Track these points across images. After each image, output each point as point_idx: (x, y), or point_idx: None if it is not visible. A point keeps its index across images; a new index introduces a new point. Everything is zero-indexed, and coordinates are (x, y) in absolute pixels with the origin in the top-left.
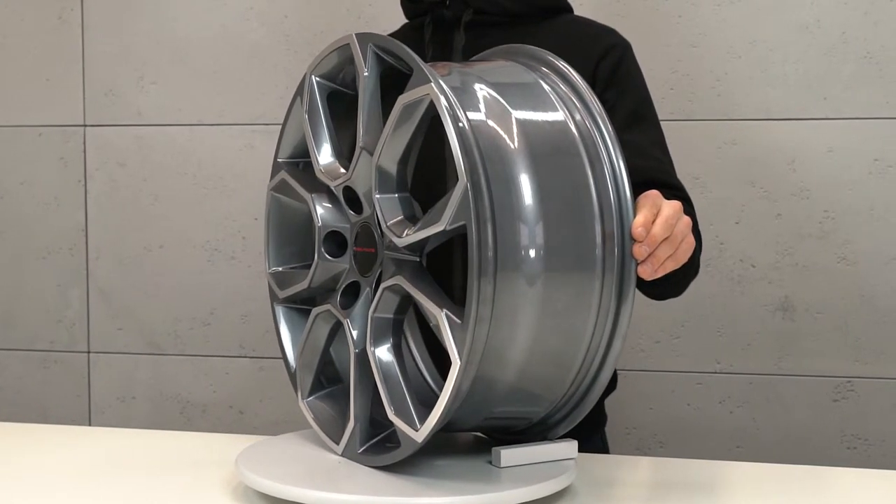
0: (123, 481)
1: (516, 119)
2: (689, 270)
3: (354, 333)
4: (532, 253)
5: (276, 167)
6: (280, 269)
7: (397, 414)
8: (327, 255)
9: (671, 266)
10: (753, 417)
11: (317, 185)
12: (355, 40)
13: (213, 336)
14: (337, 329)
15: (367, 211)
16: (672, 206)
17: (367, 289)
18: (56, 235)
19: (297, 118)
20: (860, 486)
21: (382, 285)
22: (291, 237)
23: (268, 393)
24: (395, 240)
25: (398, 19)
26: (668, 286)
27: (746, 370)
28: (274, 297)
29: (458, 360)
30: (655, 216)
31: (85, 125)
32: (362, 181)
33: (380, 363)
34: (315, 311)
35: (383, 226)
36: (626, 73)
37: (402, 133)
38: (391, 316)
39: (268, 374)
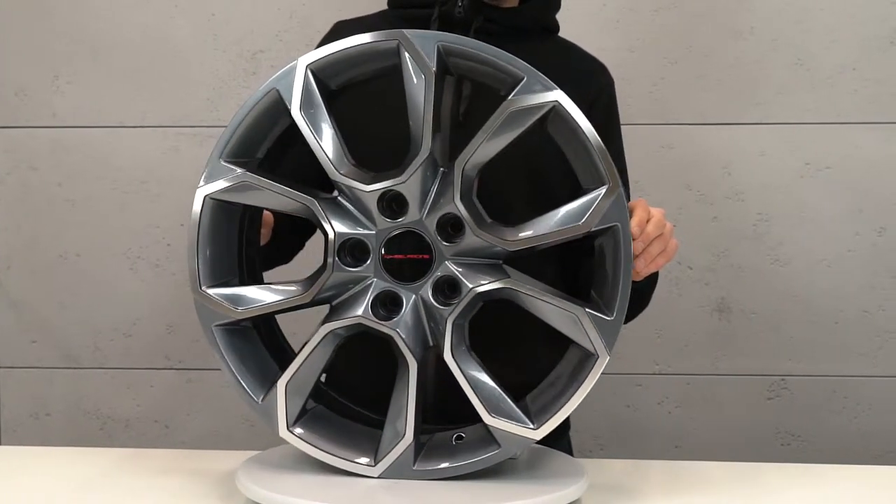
0: None
1: None
2: (654, 286)
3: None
4: None
5: (220, 169)
6: (217, 285)
7: (496, 415)
8: (343, 265)
9: (662, 262)
10: (691, 417)
11: (314, 190)
12: (409, 37)
13: (136, 347)
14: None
15: (413, 216)
16: (660, 212)
17: (413, 296)
18: None
19: (260, 112)
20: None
21: (475, 290)
22: (227, 248)
23: (195, 406)
24: (503, 243)
25: (332, 19)
26: (640, 298)
27: (684, 371)
28: (214, 318)
29: (608, 354)
30: (648, 218)
31: None
32: (417, 186)
33: (464, 368)
34: (327, 327)
35: (475, 230)
36: (615, 121)
37: (502, 138)
38: (464, 321)
39: (195, 385)
